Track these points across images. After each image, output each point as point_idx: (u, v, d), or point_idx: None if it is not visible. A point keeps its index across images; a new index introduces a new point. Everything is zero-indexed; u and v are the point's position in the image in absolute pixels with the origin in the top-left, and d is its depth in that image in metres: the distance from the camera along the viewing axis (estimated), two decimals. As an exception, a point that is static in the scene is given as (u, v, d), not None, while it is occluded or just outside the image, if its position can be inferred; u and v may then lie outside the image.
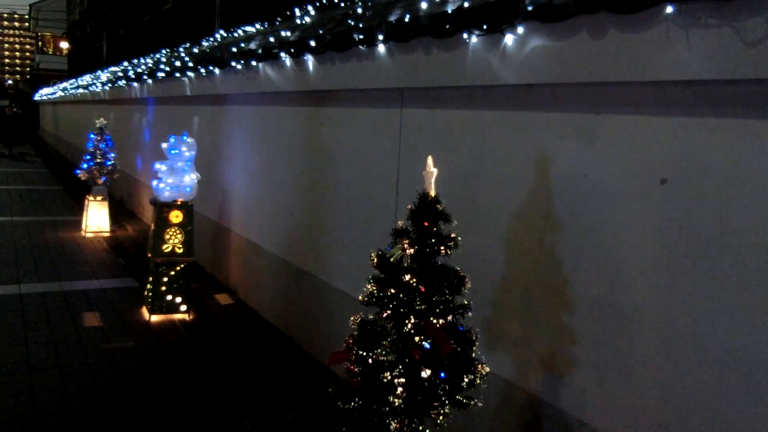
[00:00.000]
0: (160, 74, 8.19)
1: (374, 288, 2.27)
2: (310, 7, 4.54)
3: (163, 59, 8.41)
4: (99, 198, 8.70)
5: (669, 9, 2.04)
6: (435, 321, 2.20)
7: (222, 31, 6.78)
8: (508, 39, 2.72)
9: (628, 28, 2.21)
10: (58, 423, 3.51)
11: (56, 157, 21.17)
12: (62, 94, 20.44)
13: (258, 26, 5.66)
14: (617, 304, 2.41)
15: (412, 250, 2.23)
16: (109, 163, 8.61)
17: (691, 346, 2.15)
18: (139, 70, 9.54)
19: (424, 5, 3.11)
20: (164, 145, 5.43)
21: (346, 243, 4.27)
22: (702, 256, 2.11)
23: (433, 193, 2.28)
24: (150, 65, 9.02)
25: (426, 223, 2.24)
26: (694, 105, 2.13)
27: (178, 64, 7.40)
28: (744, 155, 1.99)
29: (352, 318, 2.36)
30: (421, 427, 2.25)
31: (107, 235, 8.67)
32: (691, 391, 2.16)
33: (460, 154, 3.18)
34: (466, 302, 2.32)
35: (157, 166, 5.36)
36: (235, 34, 6.10)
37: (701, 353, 2.12)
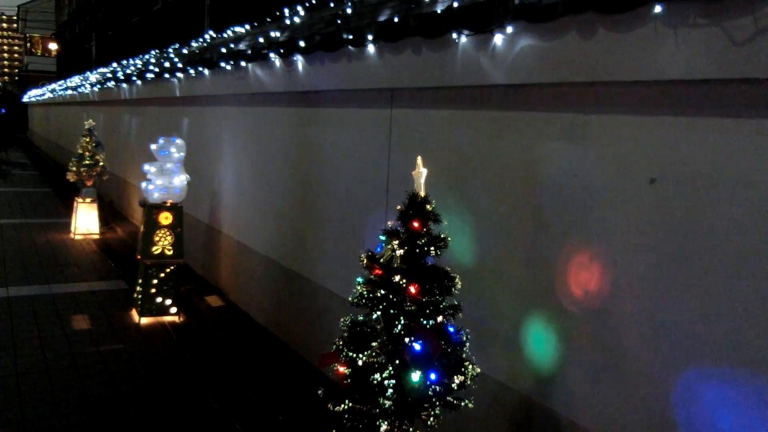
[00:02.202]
0: (150, 75, 8.15)
1: (364, 289, 2.26)
2: (299, 8, 4.53)
3: (153, 60, 8.37)
4: (88, 200, 8.64)
5: (657, 8, 2.05)
6: (425, 322, 2.19)
7: (211, 32, 6.75)
8: (497, 39, 2.72)
9: (617, 27, 2.21)
10: (46, 427, 3.47)
11: (45, 159, 21.02)
12: (51, 95, 20.30)
13: (247, 27, 5.64)
14: (607, 303, 2.40)
15: (401, 251, 2.22)
16: (98, 164, 8.55)
17: (682, 345, 2.15)
18: (129, 71, 9.48)
19: (413, 5, 3.10)
20: (153, 147, 5.40)
21: (337, 244, 4.26)
22: (691, 255, 2.12)
23: (422, 194, 2.27)
24: (139, 66, 8.97)
25: (416, 224, 2.23)
26: (683, 104, 2.13)
27: (167, 64, 7.37)
28: (732, 154, 2.00)
29: (341, 319, 2.35)
30: (411, 429, 2.24)
31: (96, 237, 8.61)
32: (682, 391, 2.16)
33: (450, 155, 3.17)
34: (456, 303, 2.31)
35: (147, 167, 5.33)
36: (225, 35, 6.08)
37: (691, 353, 2.13)
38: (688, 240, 2.12)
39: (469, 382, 2.26)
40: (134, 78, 9.03)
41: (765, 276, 1.92)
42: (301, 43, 4.18)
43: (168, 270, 5.36)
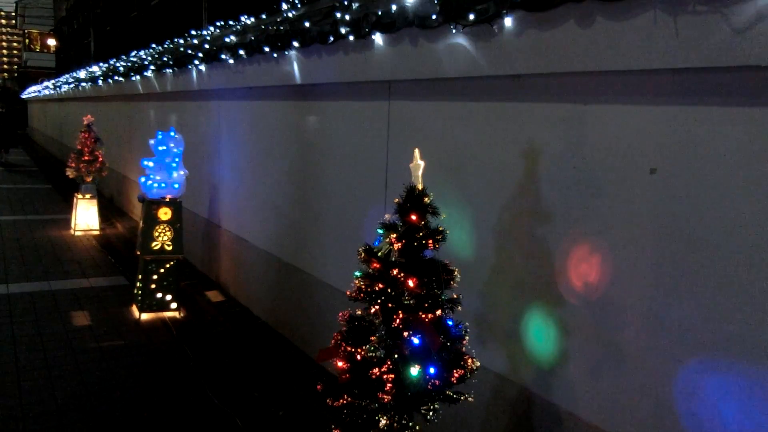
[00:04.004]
0: (148, 71, 8.11)
1: (362, 283, 2.24)
2: (296, 0, 4.49)
3: (151, 55, 8.33)
4: (88, 196, 8.62)
5: (656, -4, 2.02)
6: (424, 315, 2.17)
7: (209, 26, 6.71)
8: (496, 29, 2.69)
9: (616, 16, 2.18)
10: (46, 423, 3.47)
11: (45, 155, 21.00)
12: (50, 91, 20.26)
13: (245, 20, 5.61)
14: (607, 296, 2.39)
15: (399, 244, 2.19)
16: (97, 160, 8.53)
17: (682, 338, 2.14)
18: (127, 66, 9.45)
19: (410, -4, 3.07)
20: (152, 142, 5.37)
21: (336, 238, 4.24)
22: (692, 247, 2.09)
23: (420, 186, 2.25)
24: (137, 61, 8.94)
25: (413, 217, 2.21)
26: (683, 93, 2.11)
27: (165, 59, 7.33)
28: (733, 143, 1.97)
29: (340, 314, 2.33)
30: (410, 423, 2.23)
31: (96, 233, 8.60)
32: (682, 384, 2.14)
33: (448, 146, 3.15)
34: (455, 296, 2.29)
35: (145, 162, 5.31)
36: (223, 29, 6.04)
37: (692, 345, 2.11)
38: (690, 231, 2.10)
39: (468, 376, 2.24)
40: (132, 73, 8.99)
41: (767, 268, 1.90)
42: (298, 36, 4.15)
43: (168, 265, 5.35)
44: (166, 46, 7.86)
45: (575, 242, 2.51)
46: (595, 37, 2.27)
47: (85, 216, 8.62)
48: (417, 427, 2.24)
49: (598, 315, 2.43)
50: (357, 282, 2.26)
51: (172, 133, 5.39)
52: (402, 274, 2.18)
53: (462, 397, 2.26)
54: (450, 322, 2.27)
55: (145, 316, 5.27)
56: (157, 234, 5.27)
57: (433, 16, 2.91)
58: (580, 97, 2.47)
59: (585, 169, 2.46)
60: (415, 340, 2.16)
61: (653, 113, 2.20)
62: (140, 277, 5.36)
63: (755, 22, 1.80)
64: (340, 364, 2.26)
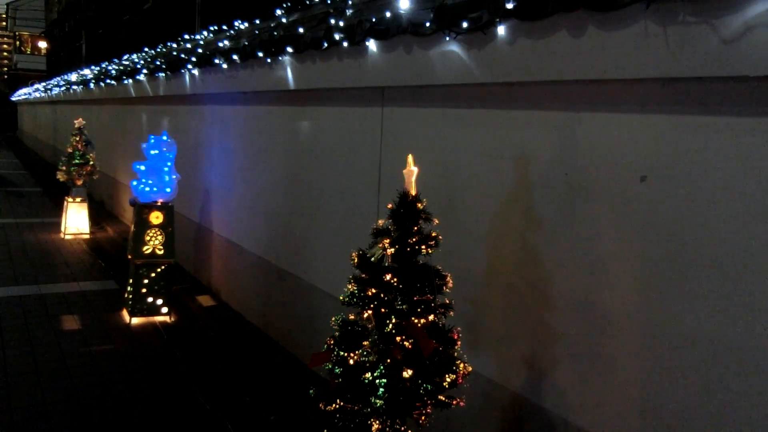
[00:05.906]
0: (140, 74, 8.10)
1: (355, 288, 2.25)
2: (290, 6, 4.51)
3: (143, 58, 8.32)
4: (78, 199, 8.58)
5: (647, 6, 2.05)
6: (416, 320, 2.19)
7: (203, 30, 6.72)
8: (489, 37, 2.71)
9: (607, 26, 2.22)
10: (36, 429, 3.44)
11: (35, 158, 20.86)
12: (40, 94, 20.16)
13: (239, 25, 5.62)
14: (598, 301, 2.41)
15: (392, 250, 2.21)
16: (88, 164, 8.49)
17: (673, 343, 2.16)
18: (119, 69, 9.43)
19: (405, 4, 3.09)
20: (144, 146, 5.37)
21: (329, 243, 4.25)
22: (681, 253, 2.12)
23: (413, 192, 2.27)
24: (130, 65, 8.92)
25: (407, 222, 2.22)
26: (673, 103, 2.14)
27: (158, 63, 7.33)
28: (722, 153, 2.00)
29: (333, 318, 2.34)
30: (403, 428, 2.24)
31: (87, 236, 8.56)
32: (673, 389, 2.16)
33: (441, 153, 3.17)
34: (447, 301, 2.31)
35: (137, 166, 5.30)
36: (216, 33, 6.05)
37: (682, 351, 2.13)
38: (679, 238, 2.13)
39: (460, 381, 2.25)
40: (124, 77, 8.97)
41: (756, 274, 1.93)
42: (292, 42, 4.17)
43: (159, 270, 5.33)
44: (158, 50, 7.85)
45: (566, 248, 2.53)
46: (587, 46, 2.30)
47: (76, 219, 8.57)
48: (409, 432, 2.26)
49: (590, 320, 2.45)
50: (350, 287, 2.27)
51: (165, 137, 5.39)
52: (395, 279, 2.19)
53: (454, 402, 2.28)
54: (442, 327, 2.28)
55: (135, 321, 5.25)
56: (148, 238, 5.26)
57: (427, 24, 2.94)
58: (572, 105, 2.49)
59: (576, 177, 2.48)
60: (408, 345, 2.17)
61: (644, 122, 2.23)
62: (131, 281, 5.34)
63: (743, 33, 1.83)
64: (332, 368, 2.27)
